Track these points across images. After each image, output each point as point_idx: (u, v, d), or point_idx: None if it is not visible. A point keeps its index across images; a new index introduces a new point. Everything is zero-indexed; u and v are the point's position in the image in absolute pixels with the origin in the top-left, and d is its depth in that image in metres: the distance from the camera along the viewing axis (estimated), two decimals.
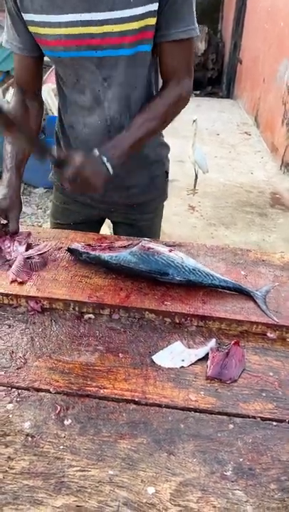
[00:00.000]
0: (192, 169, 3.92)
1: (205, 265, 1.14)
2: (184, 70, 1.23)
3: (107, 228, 1.62)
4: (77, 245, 1.15)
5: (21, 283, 1.07)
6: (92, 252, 1.12)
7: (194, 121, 3.67)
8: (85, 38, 1.11)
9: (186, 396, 0.85)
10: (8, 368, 0.89)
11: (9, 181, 1.24)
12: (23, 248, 1.17)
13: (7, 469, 0.71)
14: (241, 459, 0.75)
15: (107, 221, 1.60)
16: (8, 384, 0.86)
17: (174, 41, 1.16)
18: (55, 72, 1.29)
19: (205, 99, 7.58)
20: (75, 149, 1.23)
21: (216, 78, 8.44)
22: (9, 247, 1.18)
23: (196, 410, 0.83)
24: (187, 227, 3.46)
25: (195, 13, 1.16)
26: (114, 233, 1.57)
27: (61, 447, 0.75)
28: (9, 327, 0.99)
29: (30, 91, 1.33)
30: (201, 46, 8.20)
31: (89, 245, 1.16)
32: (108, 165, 1.11)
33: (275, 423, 0.82)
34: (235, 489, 0.71)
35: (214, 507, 0.68)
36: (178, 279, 1.06)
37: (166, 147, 1.45)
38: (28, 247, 1.19)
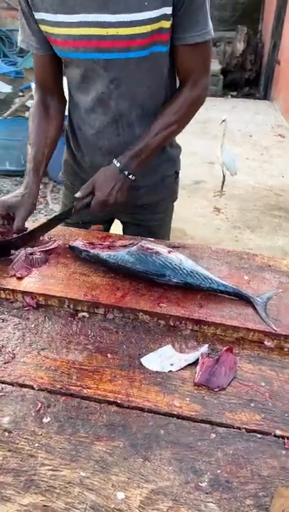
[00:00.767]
0: (220, 171, 3.86)
1: (208, 268, 1.12)
2: (201, 70, 1.22)
3: (118, 227, 1.61)
4: (78, 243, 1.15)
5: (19, 278, 1.08)
6: (92, 251, 1.11)
7: (223, 120, 3.61)
8: (94, 39, 1.10)
9: (171, 401, 0.83)
10: None
11: (27, 183, 1.24)
12: None
13: None
14: (219, 471, 0.72)
15: (117, 221, 1.59)
16: None
17: (190, 45, 1.15)
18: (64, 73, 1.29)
19: (241, 101, 7.47)
20: (93, 179, 1.23)
21: (253, 79, 8.30)
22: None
23: (178, 417, 0.80)
24: (211, 229, 3.41)
25: (209, 14, 1.14)
26: (124, 233, 1.55)
27: (36, 445, 0.74)
28: (3, 321, 0.99)
29: (50, 89, 1.33)
30: (240, 47, 8.08)
31: (91, 243, 1.16)
32: (130, 177, 1.21)
33: (259, 435, 0.78)
34: (208, 501, 0.68)
35: None
36: (175, 280, 1.03)
37: (178, 147, 1.43)
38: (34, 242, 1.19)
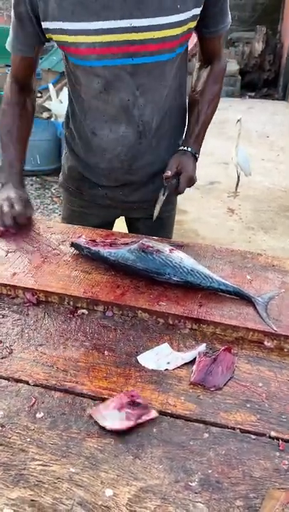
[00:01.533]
0: (235, 171, 3.83)
1: (210, 267, 1.10)
2: (222, 48, 1.35)
3: (122, 224, 1.61)
4: (80, 240, 1.15)
5: (14, 274, 1.08)
6: (93, 248, 1.11)
7: (238, 120, 3.58)
8: (123, 45, 1.07)
9: (165, 400, 0.82)
10: None
11: (16, 182, 1.26)
12: None
13: None
14: (210, 471, 0.71)
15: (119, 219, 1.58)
16: None
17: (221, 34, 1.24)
18: (68, 78, 1.27)
19: (259, 101, 7.40)
20: (175, 159, 1.27)
21: (272, 80, 8.22)
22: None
23: (172, 415, 0.80)
24: (224, 230, 3.38)
25: None
26: (133, 230, 1.55)
27: (28, 440, 0.75)
28: (2, 317, 1.00)
29: (28, 86, 1.34)
30: (258, 47, 8.02)
31: (93, 241, 1.16)
32: (197, 157, 1.30)
33: (254, 436, 0.77)
34: (197, 501, 0.67)
35: None
36: (175, 279, 1.03)
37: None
38: None
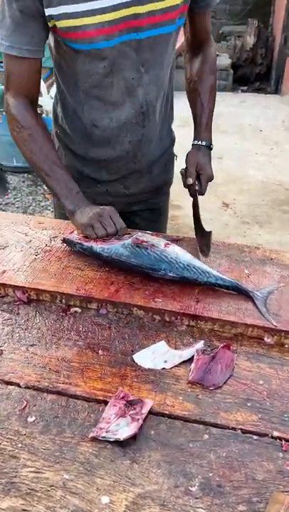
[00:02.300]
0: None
1: (207, 262, 1.07)
2: (210, 30, 1.34)
3: None
4: (72, 236, 1.11)
5: (3, 271, 1.04)
6: (86, 243, 1.07)
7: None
8: (129, 19, 1.05)
9: (163, 400, 0.79)
10: None
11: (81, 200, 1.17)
12: None
13: None
14: (211, 474, 0.68)
15: None
16: None
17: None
18: (60, 73, 1.21)
19: (251, 95, 7.35)
20: (192, 161, 1.25)
21: (264, 74, 8.18)
22: None
23: (170, 416, 0.76)
24: (219, 225, 3.35)
25: None
26: (131, 224, 1.51)
27: (19, 445, 0.71)
28: None
29: (34, 98, 1.21)
30: (250, 40, 7.96)
31: (86, 236, 1.12)
32: (212, 148, 1.31)
33: (256, 437, 0.74)
34: (198, 507, 0.64)
35: None
36: (170, 275, 0.99)
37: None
38: None
